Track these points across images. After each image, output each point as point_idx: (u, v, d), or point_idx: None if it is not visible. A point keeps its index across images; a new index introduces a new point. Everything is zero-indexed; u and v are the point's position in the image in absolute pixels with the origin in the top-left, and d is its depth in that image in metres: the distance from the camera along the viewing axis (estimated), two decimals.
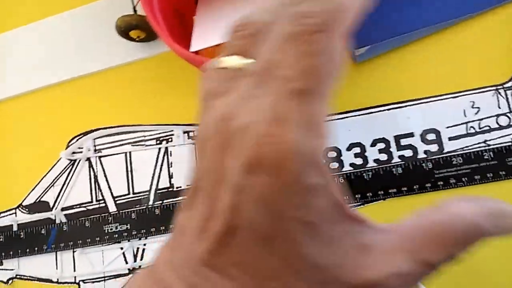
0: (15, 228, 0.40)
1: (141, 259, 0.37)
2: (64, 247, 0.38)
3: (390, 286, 0.14)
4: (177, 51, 0.27)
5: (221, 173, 0.14)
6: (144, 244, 0.37)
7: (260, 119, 0.13)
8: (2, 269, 0.40)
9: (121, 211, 0.38)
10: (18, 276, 0.39)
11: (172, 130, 0.39)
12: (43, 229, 0.39)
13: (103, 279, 0.37)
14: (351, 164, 0.35)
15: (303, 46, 0.13)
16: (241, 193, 0.13)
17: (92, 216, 0.38)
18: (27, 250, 0.39)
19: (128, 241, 0.37)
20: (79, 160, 0.40)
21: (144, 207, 0.38)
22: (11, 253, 0.39)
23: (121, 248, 0.38)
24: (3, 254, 0.40)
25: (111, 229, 0.37)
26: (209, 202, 0.14)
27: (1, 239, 0.40)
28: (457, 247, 0.14)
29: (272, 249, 0.13)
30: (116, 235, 0.37)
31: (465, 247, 0.14)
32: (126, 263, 0.37)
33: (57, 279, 0.38)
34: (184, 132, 0.39)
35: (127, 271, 0.37)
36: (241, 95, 0.14)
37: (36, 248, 0.39)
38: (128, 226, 0.37)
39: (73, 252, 0.38)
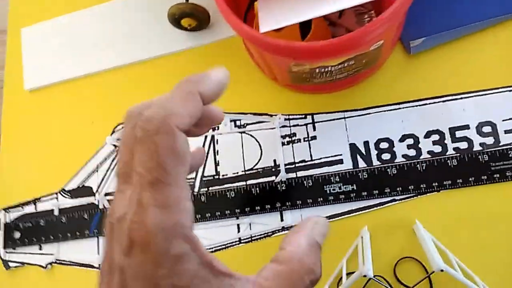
0: (56, 213, 0.40)
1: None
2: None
3: None
4: (247, 33, 0.27)
5: (111, 260, 0.17)
6: None
7: (129, 210, 0.16)
8: (41, 254, 0.39)
9: None
10: (57, 261, 0.39)
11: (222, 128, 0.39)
12: (85, 214, 0.39)
13: None
14: (404, 155, 0.34)
15: (148, 147, 0.16)
16: (124, 273, 0.16)
17: None
18: (68, 234, 0.39)
19: None
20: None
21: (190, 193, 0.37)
22: (51, 237, 0.39)
23: None
24: (43, 238, 0.39)
25: None
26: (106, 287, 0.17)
27: (41, 223, 0.40)
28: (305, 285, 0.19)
29: None
30: None
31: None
32: None
33: (99, 265, 0.38)
34: (231, 121, 0.38)
35: None
36: (116, 192, 0.18)
37: (77, 233, 0.38)
38: None
39: None
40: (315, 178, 0.35)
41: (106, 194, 0.39)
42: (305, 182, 0.35)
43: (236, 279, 0.18)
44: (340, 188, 0.34)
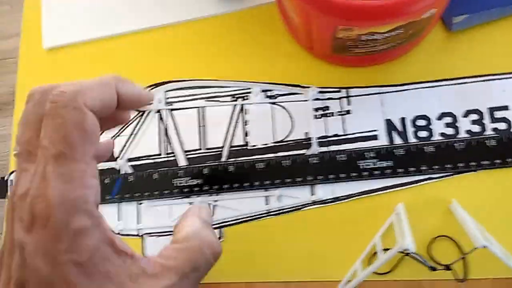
0: None
1: (212, 211, 0.36)
2: (129, 198, 0.36)
3: None
4: None
5: (11, 239, 0.17)
6: (215, 201, 0.36)
7: (32, 185, 0.16)
8: None
9: (192, 165, 0.36)
10: None
11: (249, 88, 0.37)
12: (107, 179, 0.37)
13: (169, 233, 0.36)
14: (442, 134, 0.34)
15: (55, 120, 0.17)
16: (25, 249, 0.16)
17: (161, 169, 0.37)
18: None
19: (198, 196, 0.36)
20: (149, 112, 0.38)
21: (217, 163, 0.36)
22: None
23: (191, 204, 0.36)
24: None
25: (181, 183, 0.36)
26: (6, 269, 0.17)
27: None
28: (200, 261, 0.20)
29: None
30: (187, 189, 0.36)
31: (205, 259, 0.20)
32: None
33: (119, 231, 0.37)
34: (263, 91, 0.37)
35: None
36: (18, 171, 0.18)
37: None
38: (200, 181, 0.36)
39: (138, 204, 0.37)
40: (349, 153, 0.34)
41: (129, 160, 0.38)
42: (337, 156, 0.34)
43: (137, 259, 0.18)
44: (375, 164, 0.34)
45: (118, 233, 0.36)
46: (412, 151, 0.33)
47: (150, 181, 0.36)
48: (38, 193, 0.16)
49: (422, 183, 0.33)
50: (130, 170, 0.37)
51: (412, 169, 0.33)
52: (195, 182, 0.36)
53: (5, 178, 0.39)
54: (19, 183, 0.17)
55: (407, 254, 0.32)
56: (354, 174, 0.34)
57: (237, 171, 0.35)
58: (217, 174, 0.36)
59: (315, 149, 0.35)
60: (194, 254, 0.20)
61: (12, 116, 0.42)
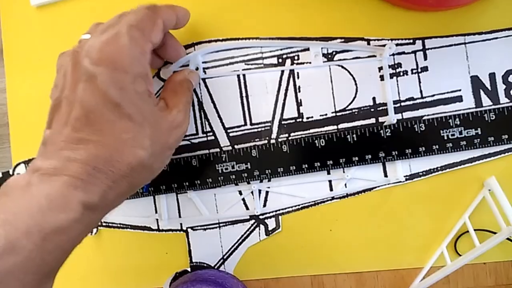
0: None
1: (264, 205, 0.31)
2: (166, 190, 0.30)
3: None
4: None
5: (76, 76, 0.22)
6: (268, 187, 0.30)
7: (103, 38, 0.22)
8: None
9: (237, 147, 0.30)
10: (104, 224, 0.32)
11: (298, 46, 0.30)
12: None
13: (217, 225, 0.31)
14: None
15: (137, 12, 0.24)
16: (97, 78, 0.21)
17: (201, 153, 0.31)
18: None
19: (248, 183, 0.30)
20: None
21: (266, 141, 0.30)
22: None
23: (240, 193, 0.31)
24: None
25: (226, 168, 0.30)
26: (67, 103, 0.22)
27: None
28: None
29: (121, 112, 0.21)
30: (233, 176, 0.30)
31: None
32: (247, 208, 0.31)
33: (158, 227, 0.31)
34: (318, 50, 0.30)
35: (247, 217, 0.31)
36: (93, 36, 0.23)
37: None
38: (248, 166, 0.30)
39: (177, 194, 0.31)
40: (428, 121, 0.28)
41: None
42: (416, 126, 0.28)
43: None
44: (461, 133, 0.28)
45: (157, 228, 0.31)
46: (505, 114, 0.28)
47: (189, 168, 0.30)
48: (109, 40, 0.22)
49: None
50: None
51: (505, 136, 0.28)
52: (242, 166, 0.30)
53: (11, 172, 0.33)
54: (90, 40, 0.23)
55: None
56: (436, 147, 0.28)
57: (293, 150, 0.30)
58: (269, 155, 0.30)
59: (390, 117, 0.29)
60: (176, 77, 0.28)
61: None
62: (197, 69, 0.30)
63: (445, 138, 0.28)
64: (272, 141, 0.30)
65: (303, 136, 0.30)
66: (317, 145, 0.29)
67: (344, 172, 0.30)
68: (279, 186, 0.30)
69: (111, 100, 0.21)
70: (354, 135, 0.29)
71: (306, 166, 0.29)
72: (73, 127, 0.21)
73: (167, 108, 0.25)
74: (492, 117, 0.28)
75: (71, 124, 0.21)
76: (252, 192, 0.31)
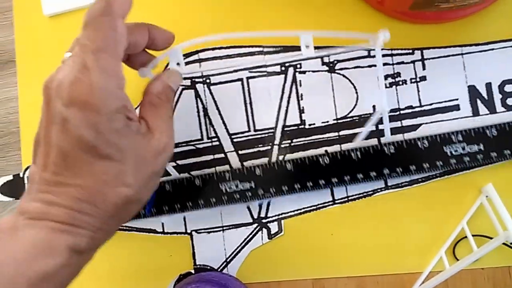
0: None
1: (267, 210, 0.31)
2: (168, 211, 0.30)
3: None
4: None
5: (50, 117, 0.21)
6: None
7: (71, 73, 0.20)
8: None
9: (242, 167, 0.30)
10: None
11: (300, 54, 0.31)
12: None
13: (221, 229, 0.32)
14: None
15: (95, 26, 0.21)
16: (69, 122, 0.20)
17: (204, 173, 0.30)
18: None
19: (253, 201, 0.30)
20: (182, 89, 0.32)
21: (267, 161, 0.31)
22: None
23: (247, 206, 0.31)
24: None
25: (230, 187, 0.30)
26: (45, 144, 0.21)
27: None
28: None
29: (99, 154, 0.20)
30: (238, 195, 0.30)
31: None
32: (251, 215, 0.31)
33: (163, 229, 0.32)
34: (317, 57, 0.31)
35: (250, 220, 0.31)
36: (59, 68, 0.22)
37: None
38: (252, 184, 0.30)
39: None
40: (432, 137, 0.29)
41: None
42: (419, 143, 0.29)
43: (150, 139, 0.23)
44: (464, 148, 0.29)
45: (162, 231, 0.32)
46: (507, 130, 0.28)
47: (192, 188, 0.30)
48: (78, 78, 0.20)
49: None
50: (174, 171, 0.31)
51: (508, 152, 0.28)
52: (246, 185, 0.30)
53: (21, 175, 0.34)
54: (57, 73, 0.21)
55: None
56: (440, 163, 0.28)
57: (297, 168, 0.30)
58: (273, 174, 0.30)
59: (387, 130, 0.29)
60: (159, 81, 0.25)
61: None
62: (178, 64, 0.28)
63: (449, 154, 0.28)
64: (278, 161, 0.30)
65: (304, 142, 0.31)
66: (321, 162, 0.30)
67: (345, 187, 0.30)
68: (284, 202, 0.31)
69: (86, 143, 0.20)
70: (358, 153, 0.29)
71: (311, 184, 0.30)
72: (52, 172, 0.20)
73: (149, 131, 0.23)
74: (494, 133, 0.28)
75: (50, 168, 0.20)
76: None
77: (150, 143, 0.22)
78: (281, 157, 0.31)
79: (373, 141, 0.30)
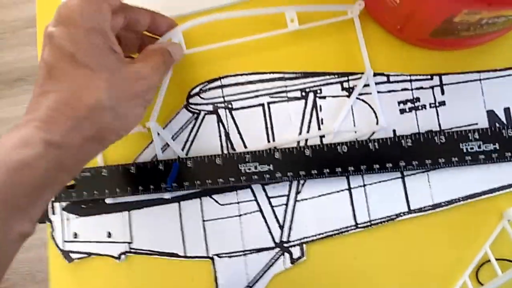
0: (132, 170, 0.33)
1: (288, 237, 0.31)
2: (188, 186, 0.31)
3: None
4: None
5: (44, 41, 0.24)
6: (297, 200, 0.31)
7: (62, 2, 0.24)
8: (111, 242, 0.33)
9: (262, 150, 0.31)
10: (132, 250, 0.33)
11: (320, 80, 0.32)
12: (160, 164, 0.32)
13: (243, 253, 0.32)
14: None
15: None
16: (52, 38, 0.24)
17: (225, 153, 0.32)
18: (140, 187, 0.32)
19: (270, 183, 0.31)
20: (204, 114, 0.33)
21: (291, 146, 0.31)
22: (117, 190, 0.33)
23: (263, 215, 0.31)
24: (106, 191, 0.33)
25: (249, 169, 0.31)
26: (39, 67, 0.24)
27: (103, 173, 0.33)
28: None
29: (77, 63, 0.23)
30: (256, 177, 0.31)
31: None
32: (271, 234, 0.31)
33: (184, 253, 0.32)
34: (337, 83, 0.32)
35: (272, 244, 0.31)
36: None
37: (151, 186, 0.32)
38: (271, 167, 0.31)
39: (204, 222, 0.32)
40: (449, 133, 0.29)
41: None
42: (436, 138, 0.30)
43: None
44: (479, 147, 0.29)
45: (184, 255, 0.32)
46: None
47: (213, 166, 0.31)
48: (66, 2, 0.24)
49: None
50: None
51: None
52: (265, 168, 0.31)
53: None
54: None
55: None
56: (455, 159, 0.29)
57: (315, 155, 0.30)
58: (291, 158, 0.31)
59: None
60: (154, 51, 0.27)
61: None
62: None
63: (465, 151, 0.29)
64: (295, 144, 0.31)
65: (327, 144, 0.31)
66: (339, 150, 0.30)
67: (364, 185, 0.31)
68: (301, 202, 0.31)
69: (67, 52, 0.23)
70: (376, 143, 0.30)
71: (328, 171, 0.30)
72: (39, 84, 0.23)
73: (132, 61, 0.26)
74: (510, 133, 0.29)
75: (38, 82, 0.24)
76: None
77: (128, 66, 0.25)
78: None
79: (389, 133, 0.31)
